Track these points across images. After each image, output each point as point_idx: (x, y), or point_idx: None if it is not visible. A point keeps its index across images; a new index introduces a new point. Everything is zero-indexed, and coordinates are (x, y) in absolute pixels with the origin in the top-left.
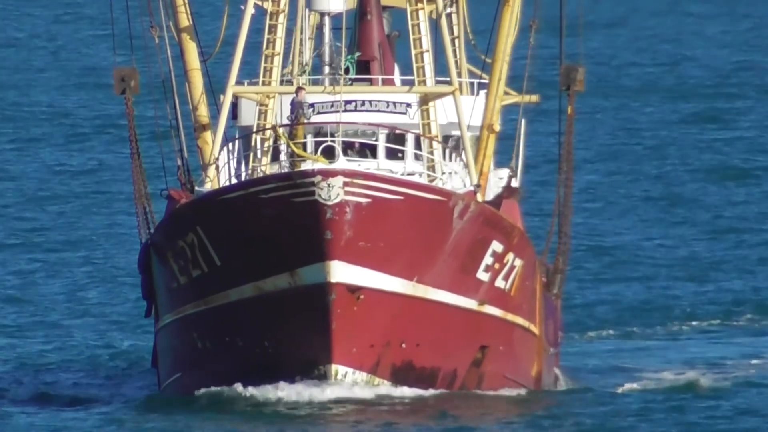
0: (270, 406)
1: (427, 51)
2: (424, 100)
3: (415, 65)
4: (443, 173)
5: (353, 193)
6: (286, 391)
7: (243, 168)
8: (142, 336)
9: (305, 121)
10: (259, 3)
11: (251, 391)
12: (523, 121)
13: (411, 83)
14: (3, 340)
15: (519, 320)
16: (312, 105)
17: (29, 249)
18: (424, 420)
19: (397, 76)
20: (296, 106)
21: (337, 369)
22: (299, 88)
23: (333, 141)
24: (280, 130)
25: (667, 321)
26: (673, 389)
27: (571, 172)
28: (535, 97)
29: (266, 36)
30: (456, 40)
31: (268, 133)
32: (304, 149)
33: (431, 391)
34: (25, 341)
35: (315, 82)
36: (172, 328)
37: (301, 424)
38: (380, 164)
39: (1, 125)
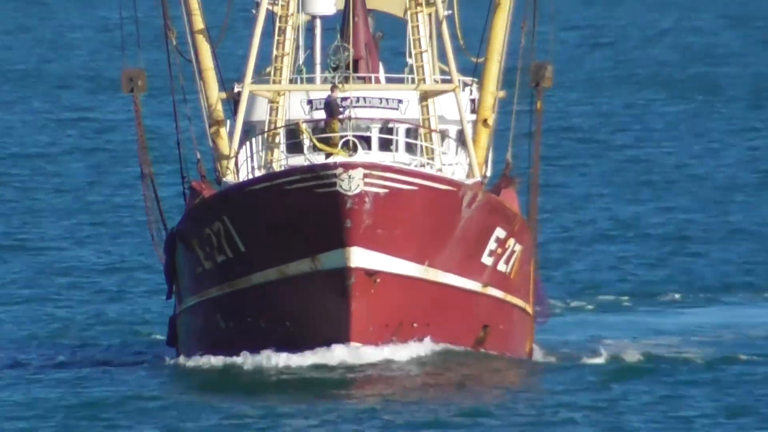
0: (284, 374)
1: (426, 51)
2: (424, 96)
3: (415, 64)
4: (450, 164)
5: (372, 184)
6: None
7: (255, 160)
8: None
9: (340, 116)
10: (270, 7)
11: (273, 361)
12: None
13: (398, 81)
14: (29, 312)
15: (517, 301)
16: (310, 101)
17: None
18: (426, 387)
19: (381, 74)
20: (332, 103)
21: (358, 348)
22: (334, 86)
23: (361, 135)
24: (303, 126)
25: (641, 295)
26: (643, 360)
27: (538, 162)
28: (501, 93)
29: (276, 38)
30: (429, 41)
31: (288, 125)
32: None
33: (435, 359)
34: (47, 315)
35: (310, 80)
36: (196, 309)
37: (315, 391)
38: (396, 157)
39: None
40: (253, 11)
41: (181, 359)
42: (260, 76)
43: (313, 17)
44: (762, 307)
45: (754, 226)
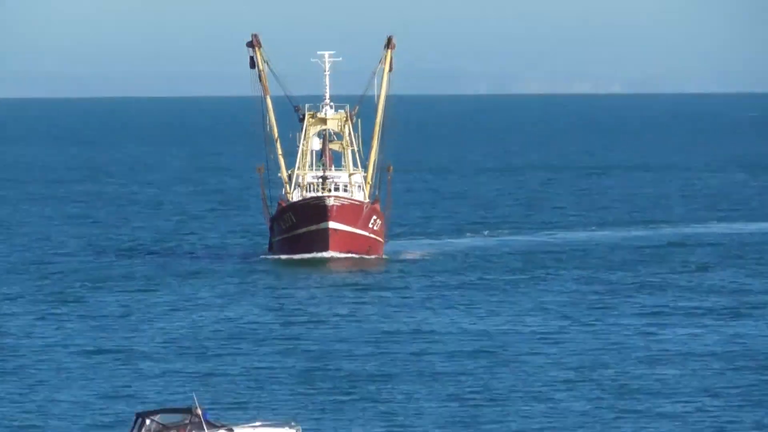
0: (301, 265)
1: (349, 161)
2: (349, 176)
3: (346, 165)
4: (359, 196)
5: (337, 203)
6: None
7: (300, 194)
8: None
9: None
10: (303, 146)
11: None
12: (390, 167)
13: (339, 169)
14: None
15: (379, 238)
16: (314, 176)
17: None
18: (351, 263)
19: (334, 168)
20: (324, 177)
21: (332, 252)
22: (324, 169)
23: (329, 190)
24: (318, 185)
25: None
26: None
27: (389, 196)
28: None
29: (302, 155)
30: (356, 152)
31: (308, 184)
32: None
33: (355, 256)
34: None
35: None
36: (279, 241)
37: (315, 269)
38: (341, 194)
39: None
40: (297, 149)
41: (273, 255)
42: (298, 167)
43: (314, 150)
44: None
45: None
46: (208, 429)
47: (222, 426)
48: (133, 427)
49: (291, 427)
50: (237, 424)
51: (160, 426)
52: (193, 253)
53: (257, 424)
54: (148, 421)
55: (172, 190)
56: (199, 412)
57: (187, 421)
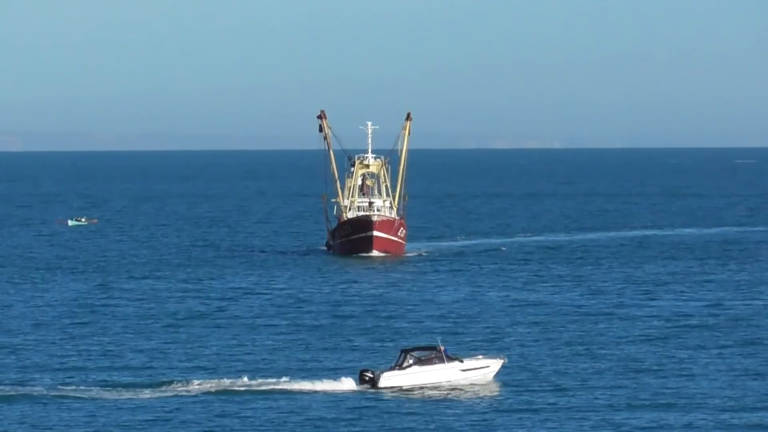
0: (356, 258)
1: (384, 192)
2: (383, 202)
3: (378, 193)
4: (392, 214)
5: (378, 219)
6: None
7: (353, 213)
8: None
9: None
10: (350, 181)
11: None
12: (406, 195)
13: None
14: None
15: (403, 241)
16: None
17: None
18: (388, 256)
19: (374, 197)
20: (371, 202)
21: (374, 251)
22: (370, 198)
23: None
24: (365, 206)
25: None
26: (432, 253)
27: (404, 216)
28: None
29: (350, 189)
30: (387, 186)
31: (358, 206)
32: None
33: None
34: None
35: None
36: (337, 243)
37: (361, 261)
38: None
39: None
40: (346, 183)
41: (332, 255)
42: (349, 196)
43: (357, 185)
44: None
45: None
46: (447, 361)
47: (456, 358)
48: (399, 359)
49: (501, 358)
50: (465, 357)
51: (416, 358)
52: (286, 250)
53: (479, 356)
54: (408, 355)
55: (255, 208)
56: (442, 348)
57: (433, 356)
